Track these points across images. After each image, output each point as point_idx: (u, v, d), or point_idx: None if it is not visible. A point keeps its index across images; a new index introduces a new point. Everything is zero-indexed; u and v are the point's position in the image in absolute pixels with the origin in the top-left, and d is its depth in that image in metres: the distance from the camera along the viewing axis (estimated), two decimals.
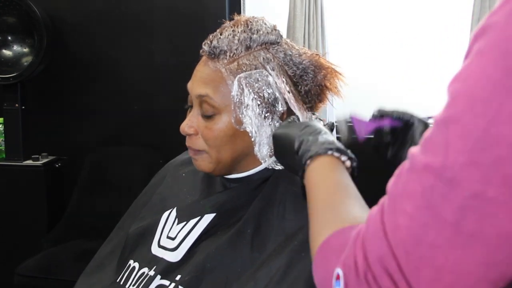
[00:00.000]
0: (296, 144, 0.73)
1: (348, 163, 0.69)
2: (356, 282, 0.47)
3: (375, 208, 0.49)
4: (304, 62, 0.92)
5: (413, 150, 0.47)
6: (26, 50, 2.42)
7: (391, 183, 0.48)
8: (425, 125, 0.85)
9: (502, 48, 0.41)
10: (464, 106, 0.42)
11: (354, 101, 1.28)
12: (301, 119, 0.86)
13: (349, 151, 0.69)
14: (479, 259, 0.41)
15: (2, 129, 2.50)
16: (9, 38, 2.42)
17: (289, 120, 0.83)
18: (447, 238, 0.42)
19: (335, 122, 0.91)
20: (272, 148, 0.90)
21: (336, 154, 0.68)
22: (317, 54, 0.96)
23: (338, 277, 0.50)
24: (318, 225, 0.59)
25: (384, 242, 0.45)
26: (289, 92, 0.89)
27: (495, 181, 0.40)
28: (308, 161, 0.68)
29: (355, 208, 0.58)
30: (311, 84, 0.92)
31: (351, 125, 0.89)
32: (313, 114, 0.93)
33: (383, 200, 0.48)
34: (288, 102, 0.88)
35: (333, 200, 0.61)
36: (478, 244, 0.41)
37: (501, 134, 0.40)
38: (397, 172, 0.48)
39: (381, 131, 0.89)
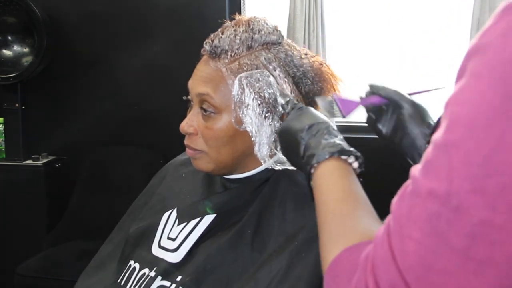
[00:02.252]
0: (301, 149, 0.71)
1: (355, 164, 0.68)
2: None
3: (381, 228, 0.49)
4: (304, 66, 0.92)
5: (415, 172, 0.47)
6: (26, 50, 2.42)
7: (395, 205, 0.48)
8: (415, 107, 0.82)
9: (500, 72, 0.41)
10: (465, 132, 0.42)
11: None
12: None
13: (353, 150, 0.68)
14: (491, 284, 0.42)
15: (2, 129, 2.50)
16: (9, 38, 2.42)
17: (295, 111, 0.80)
18: (458, 264, 0.42)
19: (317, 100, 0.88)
20: (272, 148, 0.90)
21: (343, 156, 0.67)
22: (320, 63, 0.95)
23: None
24: (328, 238, 0.59)
25: (394, 268, 0.45)
26: (291, 92, 0.89)
27: (501, 209, 0.40)
28: (314, 167, 0.67)
29: (364, 219, 0.58)
30: (311, 86, 0.92)
31: (334, 104, 0.86)
32: None
33: (389, 220, 0.48)
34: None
35: (342, 210, 0.60)
36: (489, 269, 0.41)
37: (504, 161, 0.40)
38: (400, 192, 0.48)
39: (370, 108, 0.87)
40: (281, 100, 0.85)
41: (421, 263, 0.44)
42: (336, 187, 0.64)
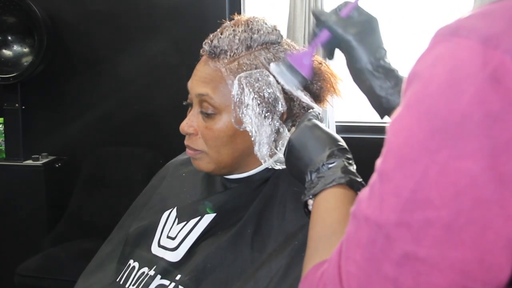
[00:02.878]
0: (310, 168, 0.72)
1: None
2: None
3: (338, 245, 0.50)
4: None
5: (361, 194, 0.48)
6: (26, 50, 2.42)
7: (348, 226, 0.49)
8: (361, 34, 0.78)
9: (426, 106, 0.42)
10: (395, 164, 0.43)
11: (354, 101, 1.28)
12: (319, 112, 0.82)
13: (362, 183, 0.69)
14: None
15: (2, 129, 2.50)
16: (9, 38, 2.42)
17: (308, 121, 0.78)
18: None
19: (272, 70, 0.83)
20: (272, 148, 0.90)
21: (347, 184, 0.68)
22: (319, 63, 0.94)
23: None
24: (307, 256, 0.61)
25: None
26: (291, 92, 0.88)
27: (425, 243, 0.41)
28: (319, 192, 0.68)
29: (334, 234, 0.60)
30: (310, 86, 0.92)
31: (290, 67, 0.82)
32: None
33: (344, 238, 0.49)
34: (301, 99, 0.87)
35: (332, 233, 0.62)
36: None
37: (427, 197, 0.41)
38: (352, 209, 0.49)
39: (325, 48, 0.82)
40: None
41: (360, 287, 0.45)
42: (334, 212, 0.65)
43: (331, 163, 0.70)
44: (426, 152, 0.41)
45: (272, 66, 0.84)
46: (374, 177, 0.46)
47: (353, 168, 0.71)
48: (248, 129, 0.88)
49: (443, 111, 0.40)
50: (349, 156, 0.73)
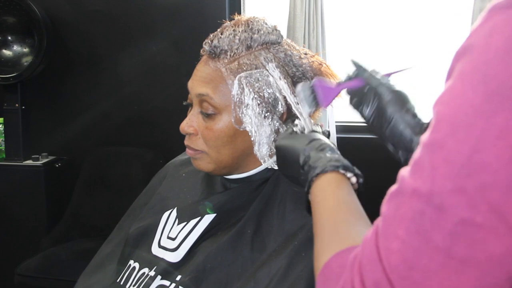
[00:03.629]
0: (301, 160, 0.72)
1: (353, 179, 0.69)
2: None
3: (370, 230, 0.49)
4: (304, 65, 0.91)
5: (403, 172, 0.47)
6: (26, 50, 2.42)
7: (384, 205, 0.48)
8: (394, 93, 0.79)
9: (482, 72, 0.42)
10: (447, 132, 0.43)
11: None
12: (304, 126, 0.83)
13: (355, 168, 0.69)
14: (472, 283, 0.42)
15: (2, 129, 2.50)
16: (9, 38, 2.42)
17: (289, 129, 0.81)
18: (440, 263, 0.43)
19: (298, 90, 0.83)
20: (272, 147, 0.90)
21: (342, 171, 0.68)
22: (319, 63, 0.94)
23: None
24: (321, 245, 0.59)
25: (379, 267, 0.46)
26: (291, 93, 0.88)
27: (482, 208, 0.41)
28: (314, 178, 0.68)
29: (357, 227, 0.59)
30: None
31: (314, 94, 0.82)
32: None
33: (378, 222, 0.49)
34: (292, 104, 0.87)
35: (336, 219, 0.61)
36: (470, 269, 0.42)
37: (484, 161, 0.41)
38: (389, 192, 0.49)
39: (351, 90, 0.83)
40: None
41: (404, 261, 0.44)
42: (333, 197, 0.65)
43: (316, 156, 0.71)
44: (482, 116, 0.41)
45: (300, 86, 0.83)
46: (418, 152, 0.46)
47: (335, 155, 0.71)
48: (248, 129, 0.88)
49: (500, 75, 0.41)
50: (333, 147, 0.73)
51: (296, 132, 0.80)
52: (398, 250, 0.45)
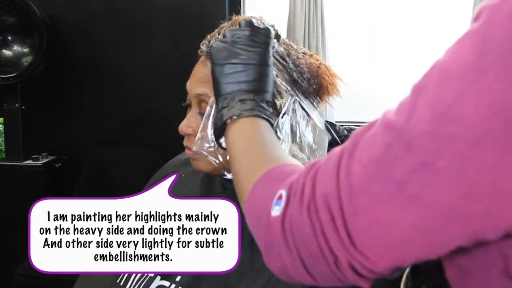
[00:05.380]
0: (219, 105, 0.74)
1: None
2: (298, 207, 0.50)
3: (338, 147, 0.51)
4: (301, 66, 0.90)
5: (387, 110, 0.49)
6: (26, 50, 2.42)
7: (358, 130, 0.50)
8: None
9: (484, 31, 0.43)
10: (437, 79, 0.44)
11: (354, 101, 1.28)
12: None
13: (266, 112, 0.72)
14: (412, 221, 0.44)
15: (2, 129, 2.50)
16: (9, 38, 2.42)
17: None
18: (390, 194, 0.45)
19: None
20: None
21: (251, 114, 0.70)
22: (318, 66, 0.93)
23: (280, 197, 0.53)
24: (241, 177, 0.62)
25: (334, 181, 0.48)
26: (286, 91, 0.88)
27: (445, 155, 0.42)
28: (228, 123, 0.71)
29: (276, 148, 0.62)
30: (307, 86, 0.91)
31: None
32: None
33: (347, 142, 0.50)
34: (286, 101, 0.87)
35: (252, 148, 0.64)
36: (414, 207, 0.44)
37: (462, 113, 0.41)
38: (369, 122, 0.50)
39: None
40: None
41: (359, 185, 0.46)
42: (247, 134, 0.68)
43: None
44: (473, 71, 0.42)
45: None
46: (405, 96, 0.47)
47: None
48: None
49: (503, 38, 0.41)
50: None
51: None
52: (356, 173, 0.47)
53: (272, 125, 0.73)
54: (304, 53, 0.93)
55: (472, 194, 0.41)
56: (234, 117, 0.71)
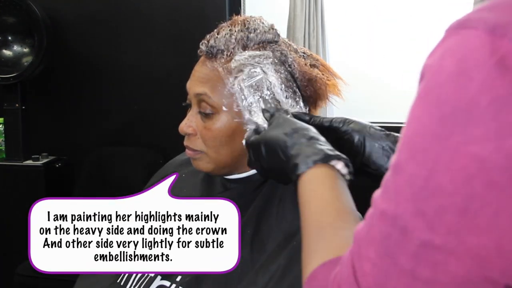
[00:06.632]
0: (284, 155, 0.69)
1: (344, 170, 0.67)
2: None
3: (348, 250, 0.50)
4: (300, 65, 0.90)
5: (376, 194, 0.48)
6: (26, 50, 2.42)
7: (358, 227, 0.49)
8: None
9: (435, 95, 0.42)
10: (407, 154, 0.44)
11: (354, 101, 1.28)
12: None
13: (338, 154, 0.66)
14: None
15: (2, 129, 2.50)
16: (9, 38, 2.42)
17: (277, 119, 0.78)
18: (406, 285, 0.43)
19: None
20: None
21: (324, 162, 0.65)
22: (316, 64, 0.92)
23: None
24: (308, 251, 0.59)
25: (356, 286, 0.46)
26: (281, 90, 0.87)
27: (440, 230, 0.41)
28: (297, 178, 0.66)
29: (345, 231, 0.58)
30: (306, 87, 0.90)
31: None
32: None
33: (352, 245, 0.49)
34: (281, 102, 0.86)
35: (320, 223, 0.60)
36: None
37: (440, 184, 0.41)
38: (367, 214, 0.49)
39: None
40: (264, 113, 0.82)
41: (376, 284, 0.45)
42: (315, 196, 0.63)
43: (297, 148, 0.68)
44: (436, 139, 0.42)
45: None
46: (387, 174, 0.47)
47: (320, 143, 0.68)
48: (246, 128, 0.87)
49: (452, 98, 0.41)
50: (314, 132, 0.71)
51: (280, 116, 0.78)
52: (370, 273, 0.46)
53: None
54: (304, 53, 0.94)
55: (483, 261, 0.41)
56: None
